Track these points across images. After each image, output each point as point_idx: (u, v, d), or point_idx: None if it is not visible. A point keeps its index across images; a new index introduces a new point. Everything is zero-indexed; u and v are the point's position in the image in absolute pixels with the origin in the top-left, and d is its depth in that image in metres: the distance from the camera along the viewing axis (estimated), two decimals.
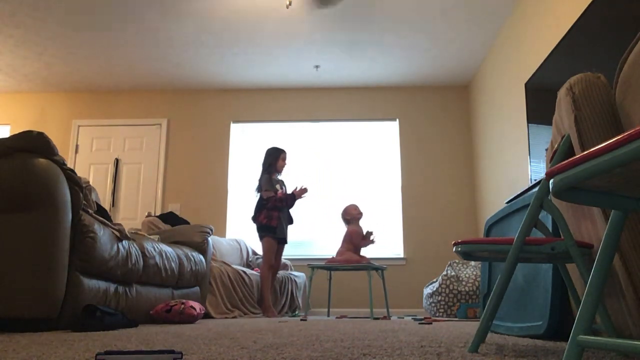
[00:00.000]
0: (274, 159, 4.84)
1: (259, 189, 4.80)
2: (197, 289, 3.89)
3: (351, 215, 4.58)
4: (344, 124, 6.43)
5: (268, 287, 4.63)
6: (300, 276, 5.37)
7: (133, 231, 3.40)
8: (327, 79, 6.20)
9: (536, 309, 1.92)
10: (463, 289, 4.35)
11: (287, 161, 4.95)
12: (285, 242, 4.85)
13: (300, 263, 5.86)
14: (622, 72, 1.23)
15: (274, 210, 4.67)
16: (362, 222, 4.68)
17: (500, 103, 5.13)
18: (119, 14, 4.78)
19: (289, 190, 4.92)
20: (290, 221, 4.92)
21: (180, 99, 6.52)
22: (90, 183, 3.94)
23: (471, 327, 2.58)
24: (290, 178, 6.23)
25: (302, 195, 4.85)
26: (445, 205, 6.09)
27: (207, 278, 4.08)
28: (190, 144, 6.40)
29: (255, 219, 4.75)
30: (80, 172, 6.26)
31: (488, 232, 2.55)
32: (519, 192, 3.97)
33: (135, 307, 2.90)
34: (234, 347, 1.42)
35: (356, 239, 4.48)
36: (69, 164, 6.22)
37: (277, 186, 4.80)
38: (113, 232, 2.68)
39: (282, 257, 5.64)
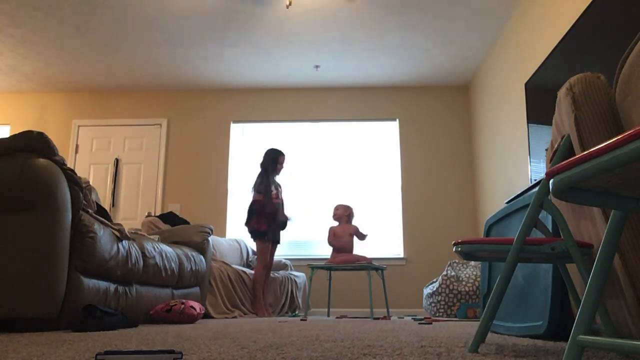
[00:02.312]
0: (272, 161, 4.85)
1: (253, 189, 4.81)
2: (197, 289, 3.89)
3: (333, 215, 4.67)
4: (344, 124, 6.42)
5: (261, 286, 4.65)
6: (300, 276, 5.37)
7: (133, 231, 3.40)
8: (327, 79, 6.20)
9: (536, 309, 1.92)
10: (463, 289, 4.35)
11: (284, 164, 4.95)
12: (278, 242, 4.86)
13: (300, 263, 5.86)
14: (622, 72, 1.23)
15: (263, 216, 4.68)
16: (355, 223, 4.73)
17: (500, 103, 5.13)
18: (119, 14, 4.77)
19: (285, 195, 4.96)
20: (283, 226, 4.89)
21: (180, 99, 6.52)
22: (90, 183, 3.94)
23: (471, 327, 2.58)
24: (291, 179, 6.23)
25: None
26: (445, 205, 6.09)
27: (207, 278, 4.08)
28: (190, 144, 6.40)
29: (247, 223, 4.75)
30: (80, 172, 6.26)
31: (488, 232, 2.55)
32: (519, 192, 3.97)
33: (135, 307, 2.90)
34: (234, 347, 1.42)
35: (333, 240, 4.55)
36: (69, 164, 6.23)
37: (273, 187, 4.79)
38: (113, 232, 2.68)
39: (281, 256, 5.66)
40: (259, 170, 4.89)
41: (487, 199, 5.60)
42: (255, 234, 4.70)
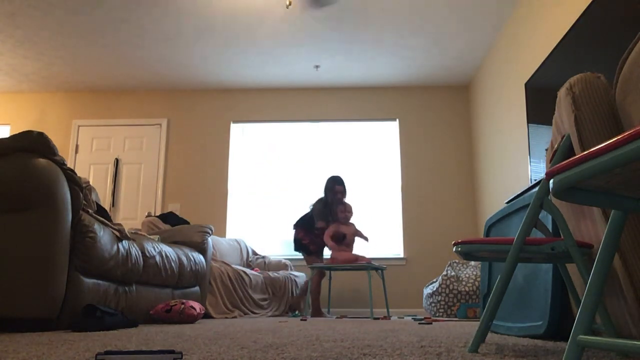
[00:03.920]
0: (330, 192, 4.89)
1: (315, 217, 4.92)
2: (197, 289, 3.89)
3: (342, 216, 4.72)
4: (344, 124, 6.42)
5: (313, 293, 4.84)
6: (300, 276, 5.37)
7: (133, 231, 3.40)
8: (327, 79, 6.20)
9: (536, 309, 1.92)
10: (463, 289, 4.35)
11: (343, 191, 4.89)
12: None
13: (301, 263, 5.86)
14: (622, 72, 1.23)
15: (319, 239, 4.83)
16: (355, 223, 4.76)
17: (500, 103, 5.13)
18: (119, 14, 4.77)
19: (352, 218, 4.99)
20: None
21: (180, 99, 6.52)
22: (90, 183, 3.94)
23: (471, 327, 2.58)
24: (291, 179, 6.23)
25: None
26: (445, 205, 6.09)
27: (207, 278, 4.08)
28: (190, 144, 6.40)
29: (300, 235, 4.93)
30: (80, 172, 6.26)
31: (488, 232, 2.55)
32: (519, 192, 3.97)
33: (135, 307, 2.90)
34: (234, 347, 1.42)
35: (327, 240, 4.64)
36: (69, 164, 6.22)
37: (336, 213, 4.80)
38: (113, 232, 2.68)
39: (281, 256, 5.70)
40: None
41: (487, 199, 5.60)
42: (303, 249, 4.92)
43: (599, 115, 1.28)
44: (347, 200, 4.94)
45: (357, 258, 4.45)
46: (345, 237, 4.60)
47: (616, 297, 1.26)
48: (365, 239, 4.67)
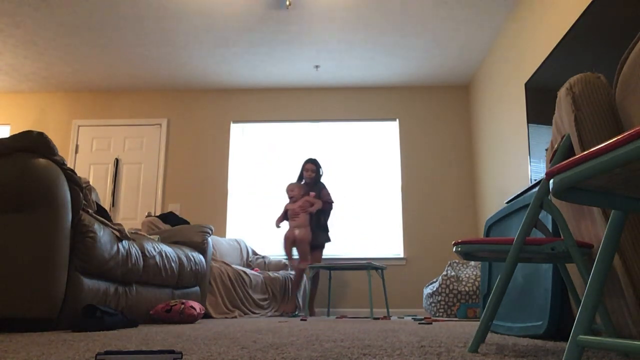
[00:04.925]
0: (302, 169, 5.32)
1: None
2: (197, 289, 3.89)
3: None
4: (344, 124, 6.42)
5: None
6: None
7: (133, 231, 3.40)
8: (327, 79, 6.20)
9: (536, 309, 1.92)
10: (463, 289, 4.35)
11: (310, 171, 5.25)
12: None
13: None
14: (622, 72, 1.23)
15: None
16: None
17: (500, 103, 5.13)
18: (119, 14, 4.77)
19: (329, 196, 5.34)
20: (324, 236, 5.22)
21: (180, 99, 6.52)
22: (90, 183, 3.94)
23: (471, 327, 2.58)
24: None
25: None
26: (445, 205, 6.09)
27: (207, 278, 4.08)
28: (190, 144, 6.40)
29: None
30: (80, 172, 6.26)
31: (488, 232, 2.55)
32: (519, 192, 3.97)
33: (135, 307, 2.90)
34: (234, 347, 1.42)
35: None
36: (69, 164, 6.23)
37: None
38: (113, 232, 2.68)
39: (281, 256, 5.70)
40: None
41: (487, 199, 5.60)
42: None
43: (599, 115, 1.28)
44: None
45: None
46: (286, 213, 5.05)
47: (616, 297, 1.26)
48: (310, 205, 4.99)
